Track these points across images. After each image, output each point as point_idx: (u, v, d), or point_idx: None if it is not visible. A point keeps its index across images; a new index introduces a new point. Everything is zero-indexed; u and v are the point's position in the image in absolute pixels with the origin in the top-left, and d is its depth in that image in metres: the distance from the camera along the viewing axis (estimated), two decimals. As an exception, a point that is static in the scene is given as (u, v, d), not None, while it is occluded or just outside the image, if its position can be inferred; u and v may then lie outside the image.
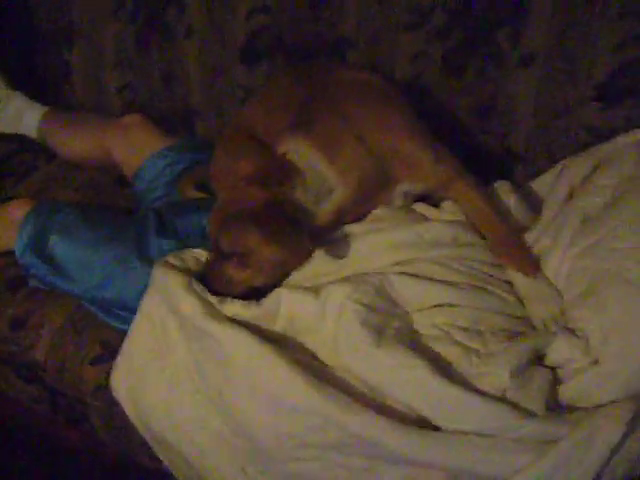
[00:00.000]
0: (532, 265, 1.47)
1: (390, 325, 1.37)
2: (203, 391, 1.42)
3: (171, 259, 1.55)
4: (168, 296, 1.47)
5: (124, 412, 1.69)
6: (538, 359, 1.34)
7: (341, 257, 1.48)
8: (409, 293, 1.41)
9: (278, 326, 1.43)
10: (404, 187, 1.57)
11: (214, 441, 1.43)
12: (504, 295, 1.45)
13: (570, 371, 1.32)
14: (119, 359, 1.59)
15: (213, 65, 2.13)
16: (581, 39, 1.64)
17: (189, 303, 1.43)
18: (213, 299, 1.45)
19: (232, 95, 2.14)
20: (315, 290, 1.42)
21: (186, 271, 1.52)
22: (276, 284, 1.50)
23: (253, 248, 1.44)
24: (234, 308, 1.43)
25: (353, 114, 1.53)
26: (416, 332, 1.39)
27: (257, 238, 1.42)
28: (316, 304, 1.39)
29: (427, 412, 1.27)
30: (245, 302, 1.45)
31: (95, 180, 2.22)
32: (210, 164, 1.81)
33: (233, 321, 1.40)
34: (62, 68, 2.44)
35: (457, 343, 1.34)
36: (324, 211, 1.49)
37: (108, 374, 1.68)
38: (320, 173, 1.47)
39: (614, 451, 1.18)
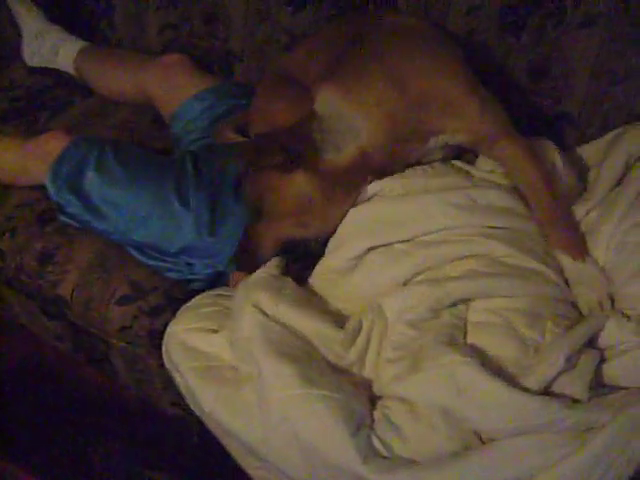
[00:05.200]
0: (581, 248, 1.41)
1: (433, 325, 1.33)
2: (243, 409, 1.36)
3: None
4: (234, 307, 1.45)
5: (148, 355, 1.71)
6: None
7: (389, 217, 1.45)
8: (466, 294, 1.36)
9: (354, 349, 1.36)
10: (444, 138, 1.50)
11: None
12: (558, 280, 1.39)
13: (617, 351, 1.28)
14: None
15: (257, 7, 2.07)
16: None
17: (247, 323, 1.38)
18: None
19: (275, 40, 2.09)
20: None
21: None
22: (317, 241, 1.50)
23: (267, 188, 1.47)
24: (311, 323, 1.38)
25: (390, 57, 1.48)
26: (468, 322, 1.34)
27: (268, 175, 1.46)
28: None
29: (469, 412, 1.22)
30: (331, 321, 1.40)
31: (131, 119, 2.19)
32: (249, 108, 1.78)
33: (284, 354, 1.31)
34: (103, 4, 2.38)
35: (515, 334, 1.29)
36: (348, 151, 1.45)
37: (135, 315, 1.69)
38: (342, 115, 1.44)
39: None
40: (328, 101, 1.46)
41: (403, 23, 1.61)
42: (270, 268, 1.48)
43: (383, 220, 1.46)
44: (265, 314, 1.38)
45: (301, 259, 1.53)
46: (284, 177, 1.45)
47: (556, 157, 1.54)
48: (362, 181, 1.49)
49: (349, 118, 1.44)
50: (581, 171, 1.59)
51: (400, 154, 1.49)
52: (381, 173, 1.50)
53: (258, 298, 1.39)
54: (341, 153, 1.45)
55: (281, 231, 1.49)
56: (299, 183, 1.45)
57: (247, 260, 1.51)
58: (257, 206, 1.49)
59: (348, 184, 1.48)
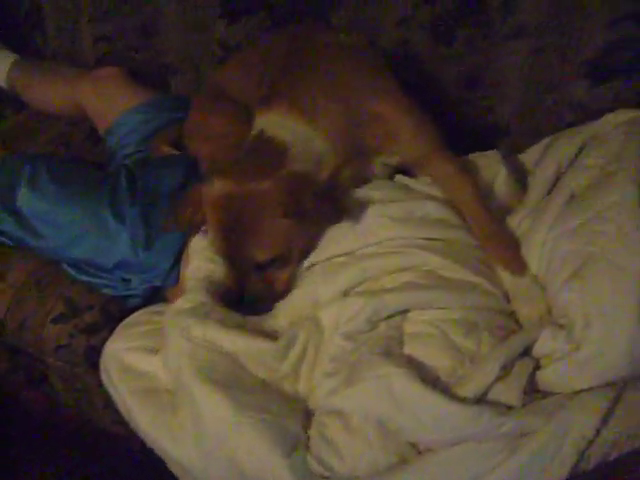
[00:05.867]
0: (520, 262, 1.42)
1: (369, 337, 1.32)
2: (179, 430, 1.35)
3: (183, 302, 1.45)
4: (164, 336, 1.43)
5: (86, 374, 1.68)
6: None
7: (332, 231, 1.45)
8: (402, 306, 1.36)
9: (288, 361, 1.35)
10: (383, 158, 1.52)
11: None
12: (494, 291, 1.40)
13: (551, 359, 1.29)
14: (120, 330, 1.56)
15: (192, 20, 2.07)
16: (574, 13, 1.60)
17: (174, 353, 1.37)
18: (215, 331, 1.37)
19: (210, 52, 2.08)
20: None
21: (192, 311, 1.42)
22: None
23: (290, 241, 1.39)
24: (241, 341, 1.36)
25: (334, 77, 1.48)
26: (405, 333, 1.35)
27: (292, 229, 1.37)
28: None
29: (404, 423, 1.23)
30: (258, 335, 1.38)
31: (65, 133, 2.15)
32: (185, 122, 1.79)
33: (213, 380, 1.31)
34: (35, 16, 2.35)
35: (451, 344, 1.30)
36: (322, 175, 1.42)
37: (71, 334, 1.66)
38: (307, 140, 1.41)
39: (590, 442, 1.17)
40: (288, 127, 1.42)
41: (341, 42, 1.62)
42: (195, 296, 1.45)
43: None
44: (192, 341, 1.36)
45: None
46: (307, 224, 1.40)
47: (500, 168, 1.55)
48: None
49: (314, 142, 1.42)
50: (523, 177, 1.61)
51: (350, 175, 1.49)
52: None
53: (186, 325, 1.38)
54: (319, 178, 1.42)
55: (296, 268, 1.45)
56: (319, 224, 1.43)
57: (265, 307, 1.44)
58: (272, 261, 1.41)
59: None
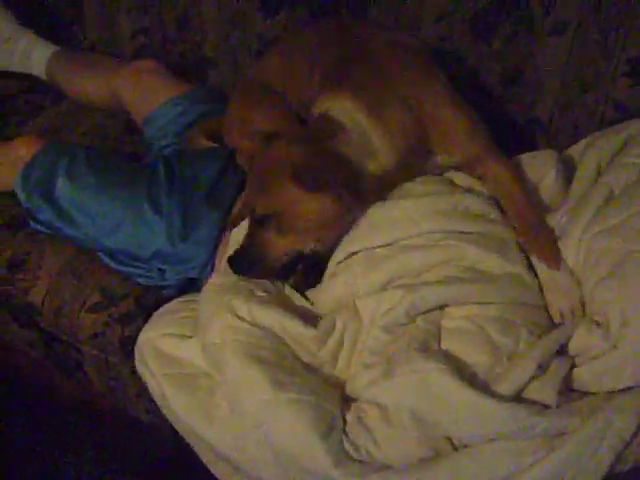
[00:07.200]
0: (557, 256, 1.41)
1: (408, 330, 1.32)
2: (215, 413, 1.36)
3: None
4: (203, 312, 1.44)
5: (120, 363, 1.70)
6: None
7: (370, 221, 1.45)
8: (441, 300, 1.35)
9: (326, 348, 1.36)
10: (440, 159, 1.52)
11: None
12: (532, 283, 1.39)
13: (587, 357, 1.28)
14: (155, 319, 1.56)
15: (230, 13, 2.07)
16: (617, 10, 1.58)
17: (217, 328, 1.37)
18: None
19: (248, 46, 2.09)
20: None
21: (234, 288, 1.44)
22: (326, 252, 1.46)
23: (288, 204, 1.40)
24: (284, 322, 1.37)
25: (397, 76, 1.49)
26: (443, 328, 1.34)
27: (293, 192, 1.39)
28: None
29: (440, 418, 1.22)
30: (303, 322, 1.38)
31: (103, 124, 2.17)
32: (224, 115, 1.78)
33: (254, 357, 1.31)
34: (74, 8, 2.38)
35: (488, 341, 1.29)
36: (369, 173, 1.44)
37: (106, 323, 1.67)
38: (365, 132, 1.43)
39: (627, 444, 1.16)
40: (350, 114, 1.44)
41: (399, 41, 1.62)
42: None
43: (364, 224, 1.46)
44: (236, 317, 1.37)
45: (307, 269, 1.49)
46: (311, 194, 1.40)
47: (549, 170, 1.54)
48: (377, 199, 1.47)
49: (371, 138, 1.43)
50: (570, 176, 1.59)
51: (405, 174, 1.50)
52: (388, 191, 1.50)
53: (230, 302, 1.39)
54: (365, 171, 1.43)
55: (295, 245, 1.45)
56: (326, 201, 1.41)
57: (250, 267, 1.46)
58: (266, 217, 1.43)
59: (366, 201, 1.46)
